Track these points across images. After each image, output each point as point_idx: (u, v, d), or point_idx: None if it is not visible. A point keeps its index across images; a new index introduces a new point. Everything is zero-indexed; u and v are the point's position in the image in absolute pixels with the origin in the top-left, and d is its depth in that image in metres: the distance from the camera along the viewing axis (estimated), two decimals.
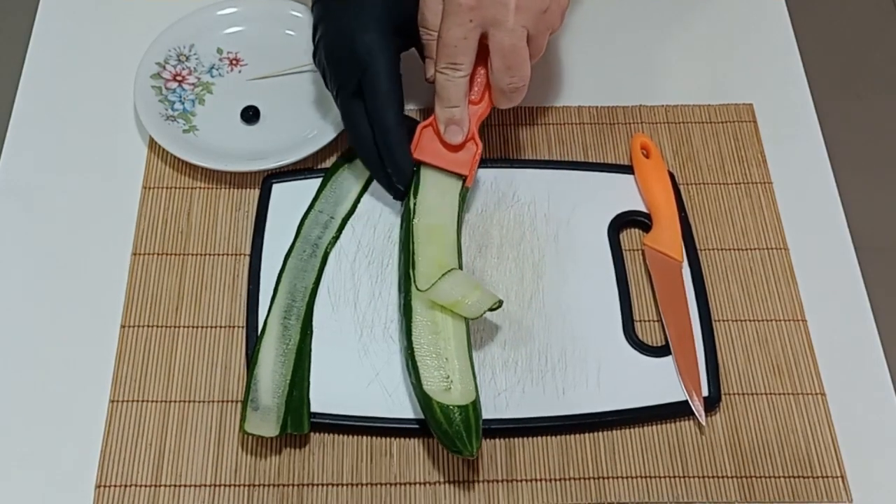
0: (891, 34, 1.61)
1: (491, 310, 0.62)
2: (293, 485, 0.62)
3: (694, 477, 0.63)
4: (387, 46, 0.67)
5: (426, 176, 0.69)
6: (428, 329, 0.63)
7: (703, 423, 0.64)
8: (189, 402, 0.65)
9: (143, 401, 0.65)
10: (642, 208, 0.73)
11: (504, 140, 0.77)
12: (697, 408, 0.64)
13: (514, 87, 0.67)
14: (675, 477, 0.63)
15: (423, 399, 0.61)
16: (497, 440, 0.64)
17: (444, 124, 0.68)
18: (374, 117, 0.67)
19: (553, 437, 0.64)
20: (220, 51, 0.80)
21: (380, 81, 0.67)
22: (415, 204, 0.68)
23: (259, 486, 0.62)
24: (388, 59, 0.67)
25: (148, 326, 0.68)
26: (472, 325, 0.65)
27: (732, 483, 0.63)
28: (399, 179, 0.69)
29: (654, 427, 0.65)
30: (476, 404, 0.61)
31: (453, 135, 0.68)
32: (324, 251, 0.70)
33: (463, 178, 0.69)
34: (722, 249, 0.72)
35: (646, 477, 0.63)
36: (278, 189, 0.73)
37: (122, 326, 0.68)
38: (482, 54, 0.67)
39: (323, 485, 0.63)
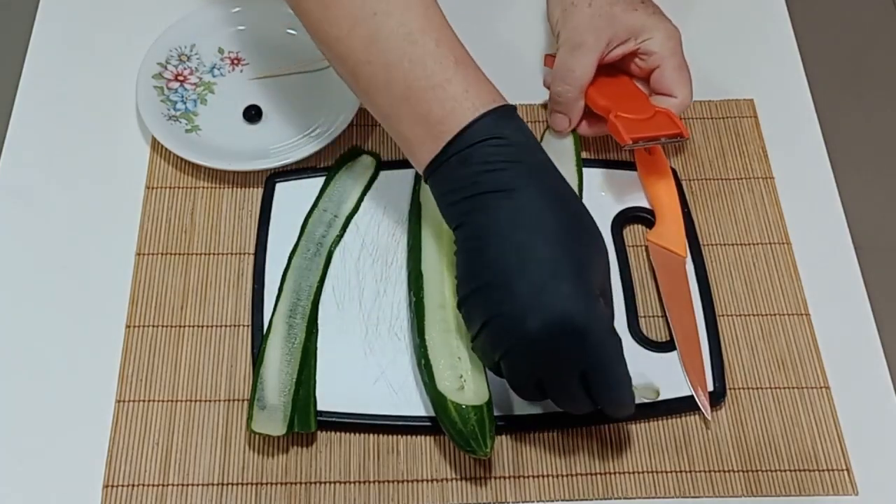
0: (891, 34, 1.62)
1: None
2: (301, 483, 0.63)
3: (700, 472, 0.64)
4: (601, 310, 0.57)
5: None
6: (440, 328, 0.63)
7: (709, 418, 0.65)
8: (195, 401, 0.65)
9: (149, 400, 0.65)
10: (645, 204, 0.73)
11: None
12: (703, 403, 0.65)
13: None
14: (680, 472, 0.63)
15: (437, 398, 0.61)
16: (504, 437, 0.64)
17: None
18: (605, 393, 0.58)
19: (559, 433, 0.64)
20: (221, 50, 0.80)
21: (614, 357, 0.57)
22: (423, 202, 0.69)
23: (267, 484, 0.62)
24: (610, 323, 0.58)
25: (153, 326, 0.68)
26: None
27: (738, 477, 0.63)
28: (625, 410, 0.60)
29: (660, 422, 0.65)
30: (490, 404, 0.61)
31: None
32: (328, 250, 0.70)
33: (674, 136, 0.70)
34: (725, 245, 0.73)
35: (652, 472, 0.63)
36: (281, 188, 0.73)
37: (128, 326, 0.68)
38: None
39: (330, 482, 0.63)
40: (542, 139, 0.75)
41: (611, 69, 0.73)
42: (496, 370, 0.59)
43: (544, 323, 0.54)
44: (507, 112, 0.59)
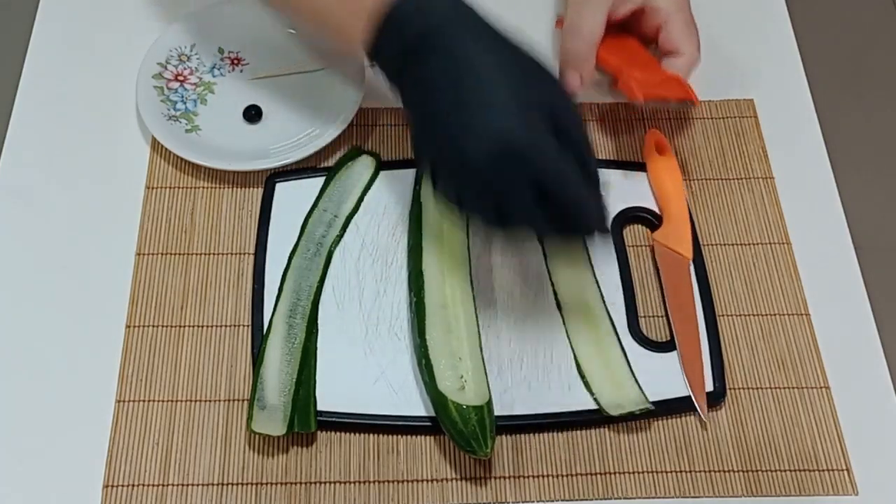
0: (891, 34, 1.62)
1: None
2: (301, 483, 0.63)
3: (700, 472, 0.64)
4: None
5: None
6: (441, 328, 0.63)
7: (705, 419, 0.65)
8: (195, 401, 0.65)
9: (149, 400, 0.65)
10: (646, 204, 0.73)
11: None
12: (700, 405, 0.65)
13: None
14: (680, 472, 0.64)
15: (438, 398, 0.61)
16: (504, 437, 0.64)
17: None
18: (564, 209, 0.58)
19: (560, 433, 0.64)
20: (221, 50, 0.80)
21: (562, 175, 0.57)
22: (423, 202, 0.69)
23: (267, 484, 0.62)
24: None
25: (153, 326, 0.68)
26: (479, 323, 0.65)
27: (738, 477, 0.63)
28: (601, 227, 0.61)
29: (660, 422, 0.65)
30: (490, 404, 0.61)
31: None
32: (328, 250, 0.70)
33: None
34: (725, 245, 0.72)
35: (652, 472, 0.63)
36: (281, 188, 0.73)
37: (128, 326, 0.68)
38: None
39: (330, 482, 0.63)
40: None
41: (622, 33, 0.75)
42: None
43: (482, 149, 0.55)
44: None
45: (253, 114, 0.76)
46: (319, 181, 0.73)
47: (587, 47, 0.72)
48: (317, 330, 0.67)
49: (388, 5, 0.59)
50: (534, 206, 0.57)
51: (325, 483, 0.63)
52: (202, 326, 0.68)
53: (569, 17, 0.74)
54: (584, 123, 0.61)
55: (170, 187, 0.74)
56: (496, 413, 0.62)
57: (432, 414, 0.63)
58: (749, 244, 0.73)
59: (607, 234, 0.61)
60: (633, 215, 0.73)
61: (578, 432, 0.64)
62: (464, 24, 0.59)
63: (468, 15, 0.60)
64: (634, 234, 0.73)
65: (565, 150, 0.57)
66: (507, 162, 0.55)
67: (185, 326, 0.68)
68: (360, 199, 0.73)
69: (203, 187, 0.74)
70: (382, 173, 0.74)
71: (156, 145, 0.76)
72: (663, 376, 0.66)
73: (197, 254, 0.71)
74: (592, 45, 0.72)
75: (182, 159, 0.74)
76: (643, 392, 0.64)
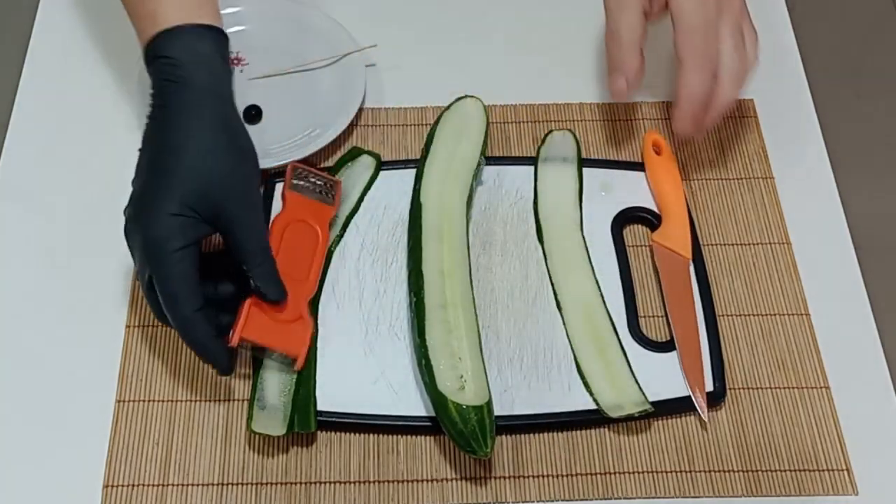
0: (891, 34, 1.62)
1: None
2: (301, 483, 0.63)
3: (700, 472, 0.64)
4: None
5: (430, 172, 0.70)
6: (441, 328, 0.63)
7: (706, 419, 0.65)
8: (195, 401, 0.65)
9: (149, 400, 0.65)
10: (646, 204, 0.73)
11: (506, 137, 0.77)
12: (700, 405, 0.65)
13: None
14: (681, 472, 0.64)
15: (438, 398, 0.61)
16: (504, 437, 0.64)
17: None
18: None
19: (560, 434, 0.64)
20: None
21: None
22: (423, 202, 0.69)
23: (267, 484, 0.62)
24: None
25: (153, 326, 0.68)
26: (479, 323, 0.65)
27: (738, 477, 0.63)
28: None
29: (660, 422, 0.65)
30: (490, 404, 0.61)
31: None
32: (328, 250, 0.70)
33: None
34: (725, 245, 0.73)
35: (652, 472, 0.63)
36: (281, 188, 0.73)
37: (127, 326, 0.68)
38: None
39: (330, 482, 0.63)
40: (543, 141, 0.75)
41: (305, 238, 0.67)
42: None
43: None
44: (197, 32, 0.62)
45: (253, 114, 0.76)
46: None
47: (628, 49, 0.71)
48: (317, 330, 0.67)
49: (159, 32, 0.61)
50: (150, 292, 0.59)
51: (325, 483, 0.63)
52: None
53: (607, 22, 0.72)
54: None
55: None
56: (496, 413, 0.62)
57: (432, 414, 0.63)
58: (749, 244, 0.73)
59: (223, 369, 0.62)
60: (633, 215, 0.73)
61: (578, 432, 0.64)
62: (191, 90, 0.60)
63: (203, 79, 0.61)
64: (634, 234, 0.73)
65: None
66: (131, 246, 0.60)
67: None
68: (360, 200, 0.73)
69: None
70: (382, 173, 0.74)
71: None
72: (663, 376, 0.66)
73: None
74: (633, 46, 0.70)
75: None
76: (643, 393, 0.64)
